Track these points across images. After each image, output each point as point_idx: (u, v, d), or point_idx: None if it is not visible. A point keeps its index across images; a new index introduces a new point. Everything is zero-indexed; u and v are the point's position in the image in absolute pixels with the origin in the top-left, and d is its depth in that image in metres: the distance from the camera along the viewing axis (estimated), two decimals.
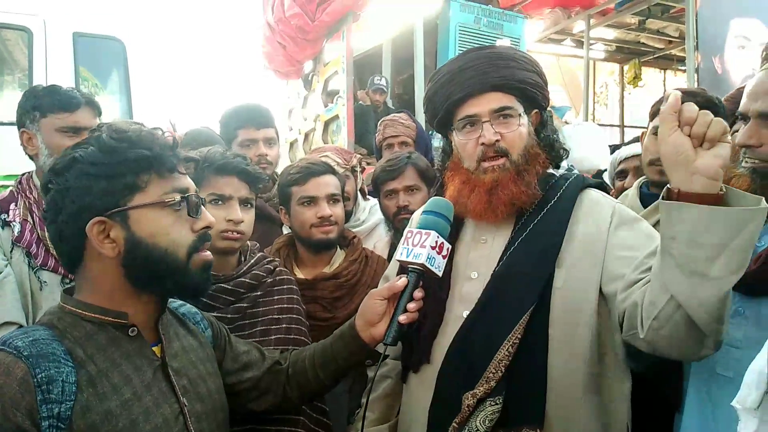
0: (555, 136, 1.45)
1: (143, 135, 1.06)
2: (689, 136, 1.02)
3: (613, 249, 1.26)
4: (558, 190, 1.37)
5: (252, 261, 1.66)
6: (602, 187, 1.44)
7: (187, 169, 1.16)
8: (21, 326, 1.67)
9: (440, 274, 1.23)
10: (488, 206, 1.34)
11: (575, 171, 1.70)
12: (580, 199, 1.36)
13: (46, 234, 1.76)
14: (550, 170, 1.44)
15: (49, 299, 1.74)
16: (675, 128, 1.03)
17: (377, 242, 2.38)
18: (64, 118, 1.84)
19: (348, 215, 2.41)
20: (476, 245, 1.41)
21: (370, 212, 2.56)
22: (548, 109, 1.48)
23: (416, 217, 1.59)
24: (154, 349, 1.10)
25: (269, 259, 1.73)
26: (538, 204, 1.36)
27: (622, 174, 2.57)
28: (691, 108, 1.02)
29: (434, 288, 1.34)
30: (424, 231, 1.23)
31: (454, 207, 1.33)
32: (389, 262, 2.07)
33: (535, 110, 1.41)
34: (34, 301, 1.74)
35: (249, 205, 1.65)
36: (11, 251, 1.75)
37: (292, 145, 6.05)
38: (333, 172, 1.98)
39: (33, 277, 1.74)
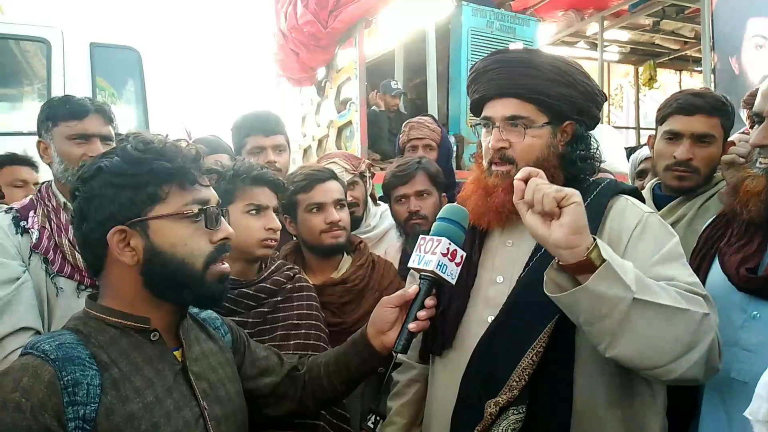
0: (585, 153, 1.37)
1: (167, 147, 1.08)
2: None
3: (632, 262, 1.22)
4: (588, 195, 1.31)
5: (273, 267, 1.70)
6: (636, 193, 1.38)
7: (211, 180, 1.18)
8: (37, 332, 1.69)
9: (453, 281, 1.21)
10: (483, 211, 1.33)
11: (610, 176, 1.65)
12: (610, 205, 1.31)
13: (63, 241, 1.80)
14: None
15: (64, 305, 1.76)
16: (526, 212, 1.09)
17: (388, 248, 2.38)
18: (74, 126, 1.87)
19: (358, 221, 2.41)
20: (503, 249, 1.38)
21: (380, 218, 2.57)
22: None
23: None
24: (175, 353, 1.12)
25: (289, 266, 1.77)
26: None
27: (642, 174, 2.56)
28: (529, 189, 1.07)
29: (461, 276, 1.28)
30: (435, 238, 1.21)
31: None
32: (400, 267, 2.08)
33: (569, 122, 1.34)
34: (50, 306, 1.76)
35: (277, 214, 1.71)
36: (29, 258, 1.78)
37: (306, 151, 6.08)
38: (336, 177, 1.99)
39: (49, 284, 1.76)
